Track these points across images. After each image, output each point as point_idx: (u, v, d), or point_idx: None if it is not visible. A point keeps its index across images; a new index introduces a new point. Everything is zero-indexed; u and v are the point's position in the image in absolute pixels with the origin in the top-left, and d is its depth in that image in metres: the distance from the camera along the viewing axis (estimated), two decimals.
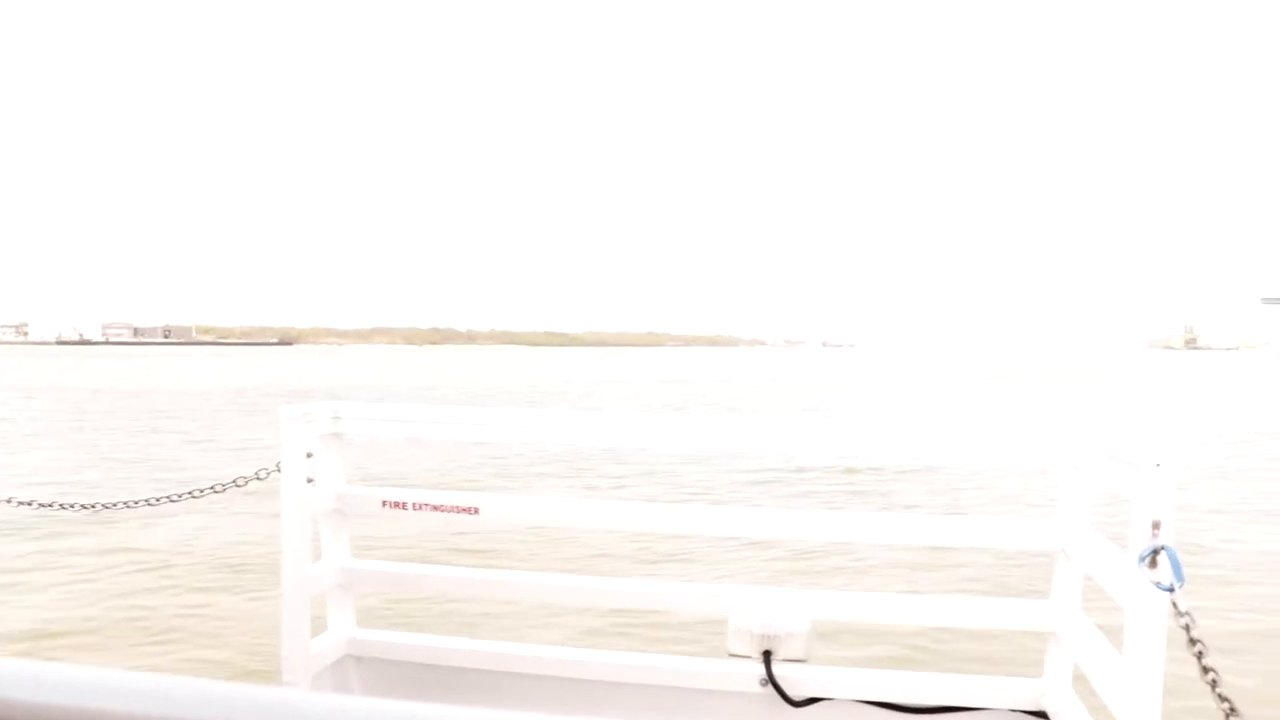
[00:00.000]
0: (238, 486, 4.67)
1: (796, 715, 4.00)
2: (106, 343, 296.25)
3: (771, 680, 3.98)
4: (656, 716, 4.02)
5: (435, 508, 4.22)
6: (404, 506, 4.23)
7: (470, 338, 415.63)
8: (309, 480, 4.11)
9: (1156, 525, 2.89)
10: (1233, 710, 2.73)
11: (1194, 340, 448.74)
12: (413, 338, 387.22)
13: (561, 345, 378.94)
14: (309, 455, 4.10)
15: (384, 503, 4.27)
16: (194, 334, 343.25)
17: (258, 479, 4.48)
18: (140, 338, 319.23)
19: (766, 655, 4.00)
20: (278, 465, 4.10)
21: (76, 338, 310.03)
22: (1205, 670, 2.77)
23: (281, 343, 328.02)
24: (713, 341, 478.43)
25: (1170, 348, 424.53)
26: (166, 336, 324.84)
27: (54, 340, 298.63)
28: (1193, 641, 2.79)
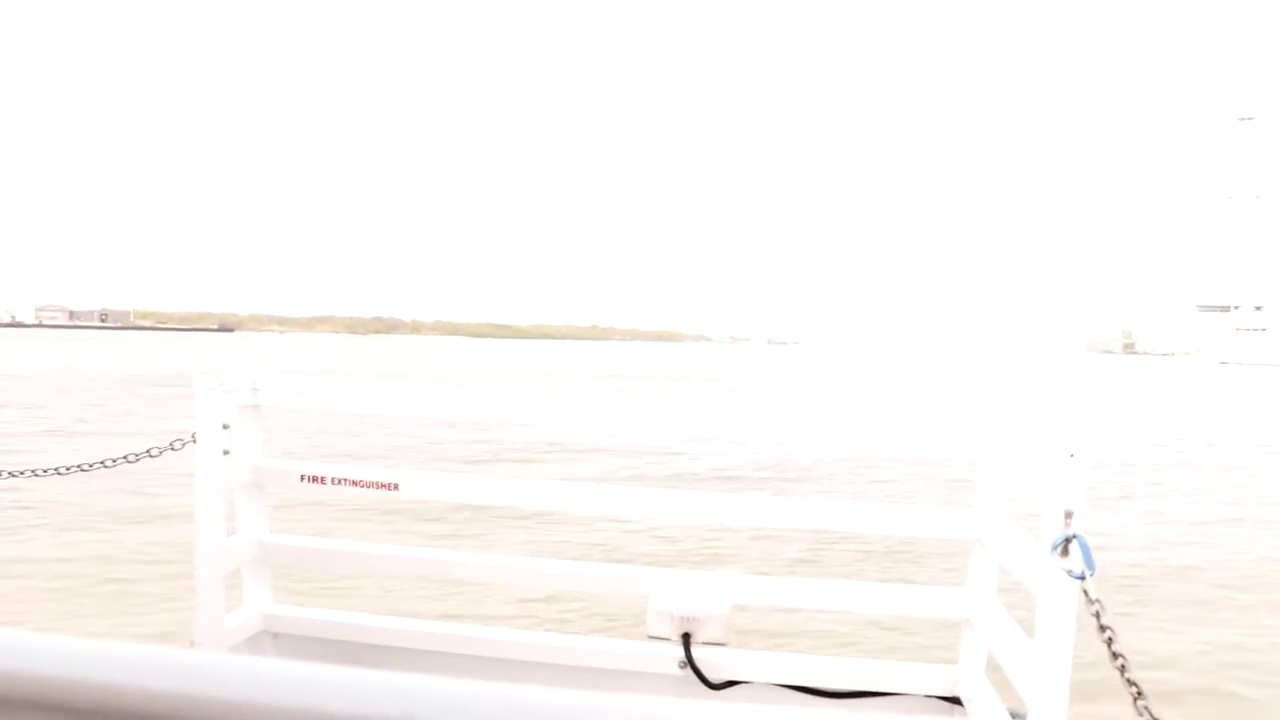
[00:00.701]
0: (151, 457, 4.55)
1: (714, 698, 3.95)
2: (40, 325, 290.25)
3: (690, 663, 4.01)
4: None
5: (355, 482, 4.14)
6: (323, 481, 4.15)
7: (414, 327, 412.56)
8: (225, 452, 4.03)
9: (1069, 515, 2.93)
10: (1140, 694, 2.78)
11: (1132, 345, 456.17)
12: (356, 326, 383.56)
13: (505, 337, 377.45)
14: (225, 426, 4.02)
15: (302, 476, 4.20)
16: (132, 318, 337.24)
17: (171, 449, 4.35)
18: (76, 321, 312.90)
19: (686, 638, 4.02)
20: (193, 436, 4.01)
21: (8, 319, 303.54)
22: (1115, 656, 2.82)
23: (222, 329, 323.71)
24: (658, 336, 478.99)
25: (1109, 352, 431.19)
26: (103, 320, 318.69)
27: None
28: (1103, 628, 2.84)
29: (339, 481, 4.14)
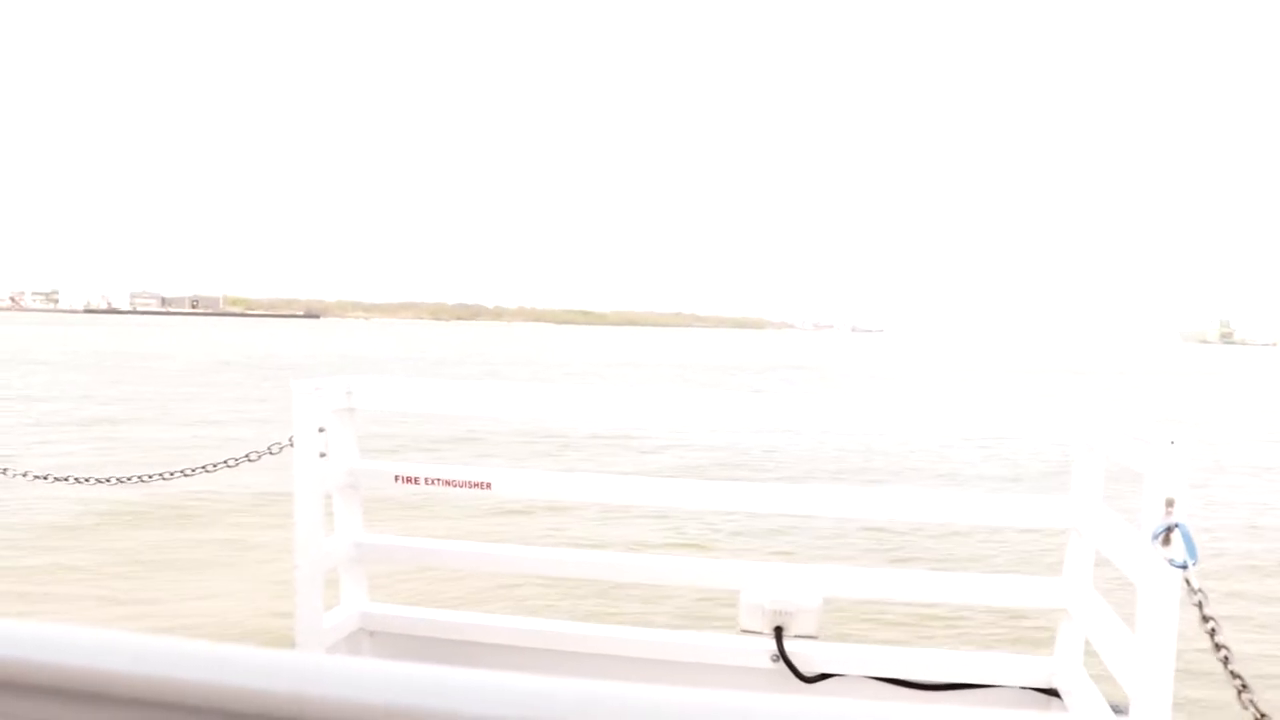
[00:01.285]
0: (250, 461, 4.57)
1: (807, 692, 3.94)
2: (134, 311, 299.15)
3: (783, 656, 3.99)
4: None
5: (447, 482, 4.19)
6: (416, 481, 4.21)
7: (497, 314, 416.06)
8: (321, 454, 4.07)
9: (1170, 503, 2.90)
10: (1244, 687, 2.74)
11: (1230, 335, 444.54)
12: (439, 313, 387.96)
13: (589, 324, 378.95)
14: (321, 430, 4.05)
15: (396, 477, 4.25)
16: (222, 304, 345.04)
17: (270, 453, 4.38)
18: (168, 307, 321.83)
19: (778, 631, 4.00)
20: (290, 440, 4.05)
21: (105, 306, 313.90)
22: (1218, 648, 2.79)
23: (308, 315, 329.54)
24: (740, 324, 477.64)
25: (1205, 342, 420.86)
26: (194, 307, 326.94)
27: (82, 309, 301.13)
28: (1205, 619, 2.79)
29: (432, 481, 4.19)
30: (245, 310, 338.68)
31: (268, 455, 4.42)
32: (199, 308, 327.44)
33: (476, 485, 4.20)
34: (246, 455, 4.58)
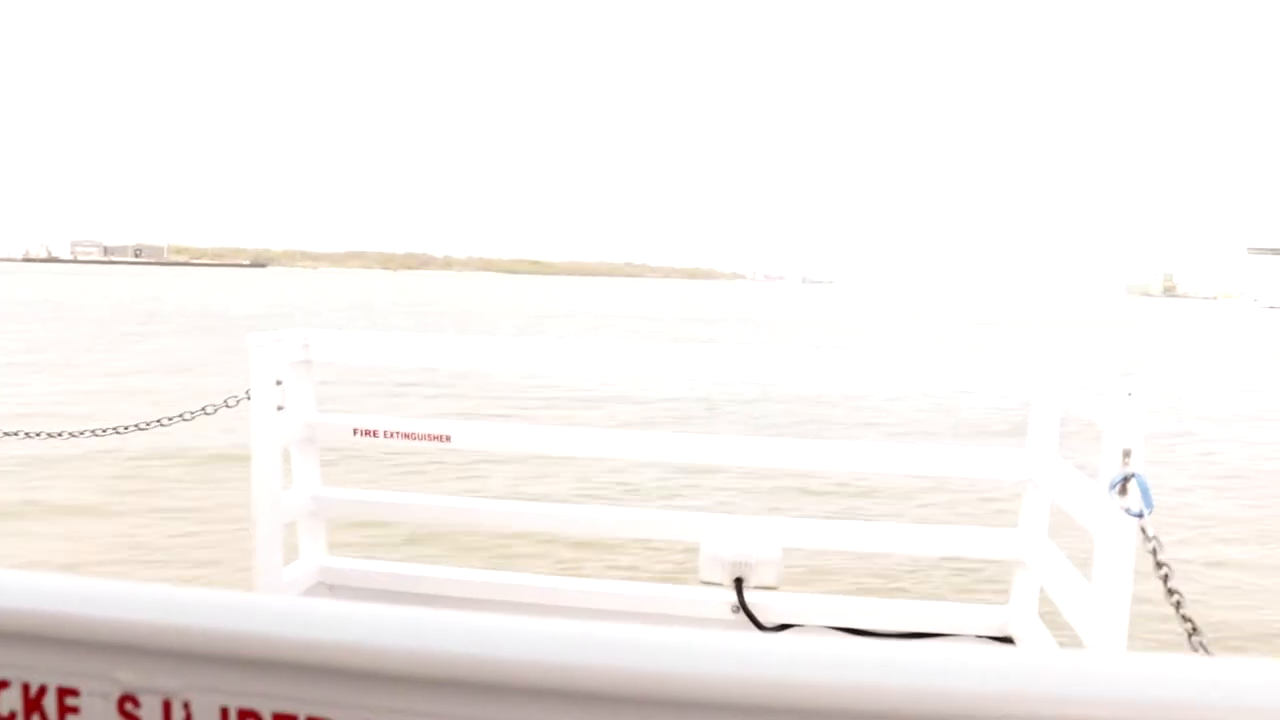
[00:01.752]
0: (206, 414, 4.54)
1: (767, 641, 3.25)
2: (75, 260, 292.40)
3: (743, 607, 4.01)
4: None
5: (406, 435, 4.19)
6: (374, 434, 4.21)
7: (447, 263, 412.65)
8: (279, 408, 4.05)
9: (1127, 454, 2.95)
10: (1195, 630, 2.81)
11: (1173, 288, 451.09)
12: (388, 262, 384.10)
13: (539, 274, 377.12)
14: (278, 382, 4.03)
15: (355, 430, 4.24)
16: (166, 254, 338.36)
17: (226, 406, 4.35)
18: (110, 256, 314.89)
19: (738, 582, 4.03)
20: (247, 393, 4.02)
21: (45, 255, 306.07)
22: (1170, 592, 2.85)
23: (254, 264, 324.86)
24: (692, 274, 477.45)
25: (1149, 295, 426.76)
26: (137, 255, 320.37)
27: (21, 257, 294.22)
28: (1159, 565, 2.86)
29: (391, 434, 4.19)
30: (190, 260, 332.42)
31: (224, 409, 4.43)
32: (142, 257, 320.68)
33: (435, 438, 4.22)
34: (203, 408, 4.56)
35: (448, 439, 4.23)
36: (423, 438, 4.23)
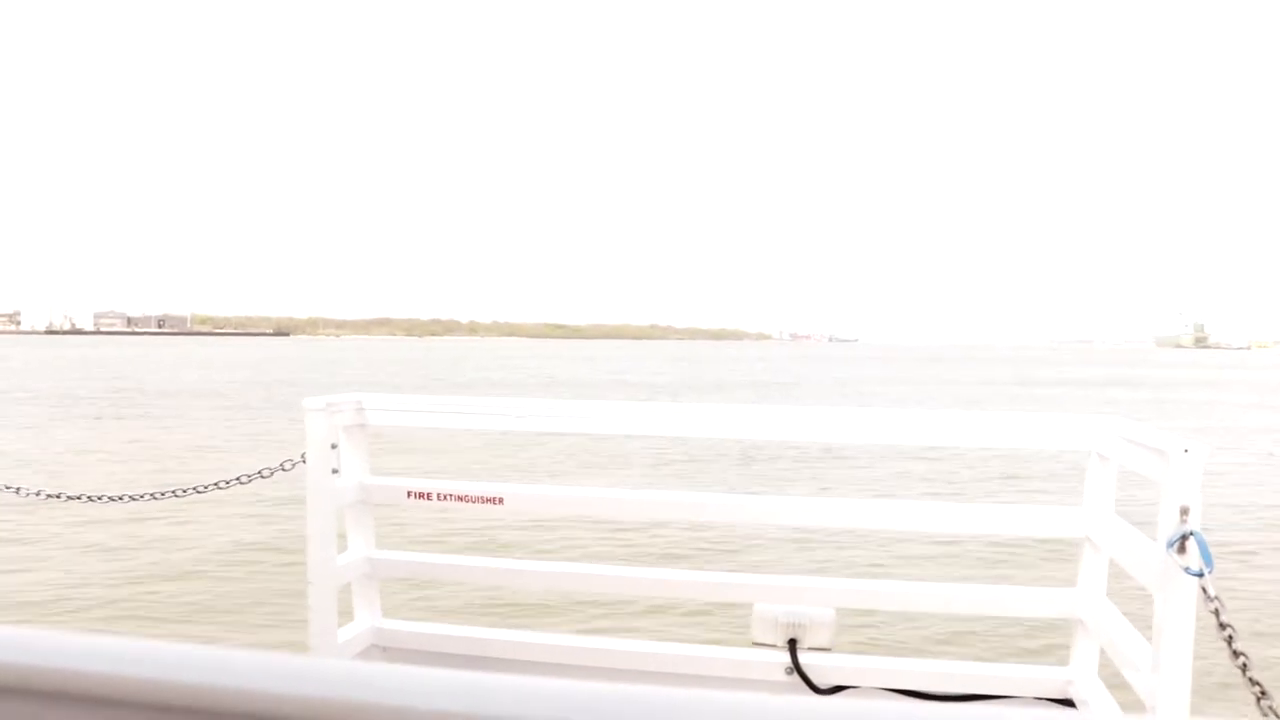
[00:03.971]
0: (263, 478, 4.62)
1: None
2: (98, 332, 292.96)
3: (797, 669, 3.98)
4: None
5: (460, 498, 4.23)
6: (428, 497, 4.26)
7: (472, 329, 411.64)
8: (334, 471, 4.11)
9: (1185, 511, 2.89)
10: (1264, 694, 2.72)
11: (1204, 339, 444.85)
12: (413, 329, 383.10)
13: (564, 337, 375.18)
14: (333, 446, 4.09)
15: (409, 493, 4.30)
16: (189, 323, 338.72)
17: (283, 470, 4.45)
18: (133, 327, 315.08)
19: (792, 644, 3.99)
20: (303, 456, 4.11)
21: (68, 326, 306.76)
22: (1235, 655, 2.76)
23: (278, 333, 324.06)
24: (717, 335, 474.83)
25: (1180, 346, 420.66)
26: (160, 326, 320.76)
27: (44, 329, 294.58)
28: (1222, 626, 2.78)
29: (445, 497, 4.24)
30: (213, 329, 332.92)
31: (280, 472, 4.50)
32: (165, 327, 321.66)
33: (489, 500, 4.23)
34: (259, 472, 4.63)
35: (501, 501, 4.24)
36: (476, 500, 4.22)
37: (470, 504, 4.23)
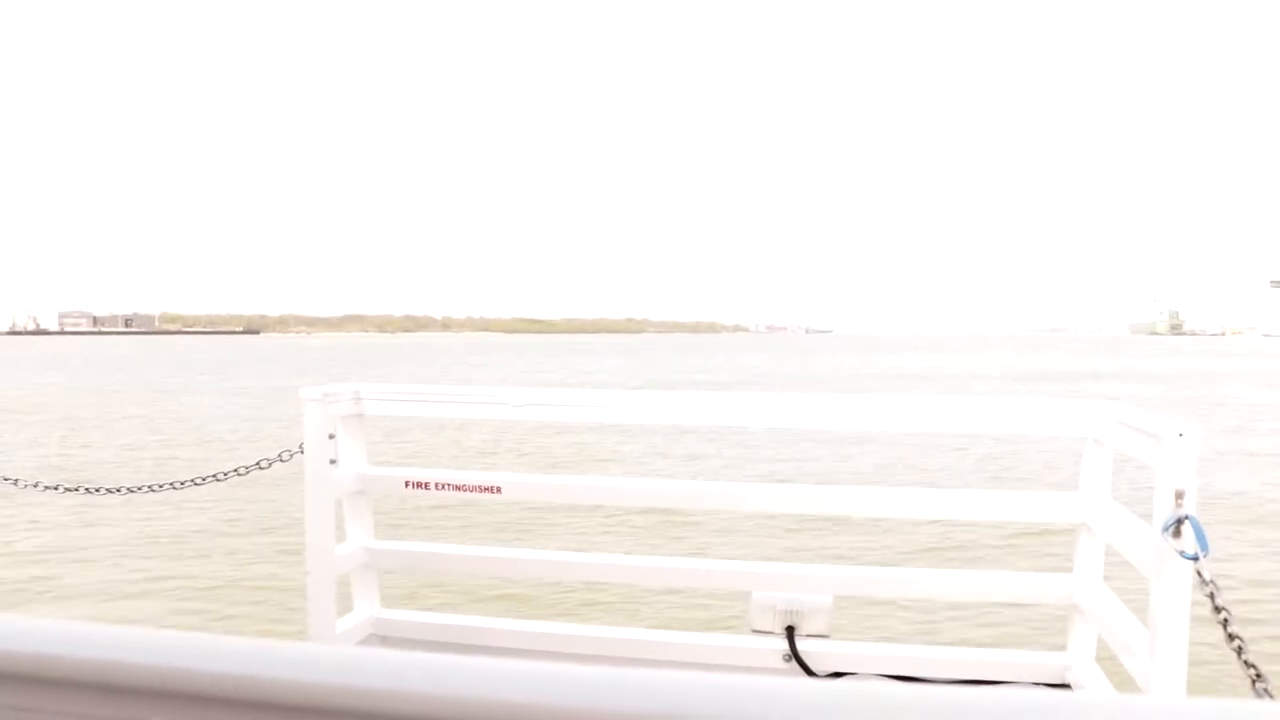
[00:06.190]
0: (261, 469, 4.65)
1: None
2: (63, 332, 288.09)
3: (795, 656, 3.99)
4: None
5: (457, 487, 4.23)
6: (426, 486, 4.26)
7: (446, 324, 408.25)
8: (331, 461, 4.11)
9: (1180, 495, 2.90)
10: (1259, 676, 2.73)
11: (1179, 325, 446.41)
12: (386, 325, 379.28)
13: (539, 332, 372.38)
14: (331, 436, 4.09)
15: (406, 483, 4.29)
16: (157, 322, 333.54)
17: (280, 461, 4.48)
18: (99, 326, 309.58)
19: (790, 631, 3.99)
20: (300, 447, 4.11)
21: (32, 327, 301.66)
22: (1231, 638, 2.79)
23: (248, 331, 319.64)
24: (694, 328, 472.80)
25: (1155, 333, 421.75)
26: (128, 325, 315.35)
27: (7, 330, 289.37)
28: (1218, 609, 2.80)
29: (442, 486, 4.23)
30: (183, 327, 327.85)
31: (278, 463, 4.55)
32: (133, 325, 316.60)
33: (486, 489, 4.22)
34: (258, 463, 4.69)
35: (499, 490, 4.24)
36: (474, 489, 4.22)
37: (467, 493, 4.22)
